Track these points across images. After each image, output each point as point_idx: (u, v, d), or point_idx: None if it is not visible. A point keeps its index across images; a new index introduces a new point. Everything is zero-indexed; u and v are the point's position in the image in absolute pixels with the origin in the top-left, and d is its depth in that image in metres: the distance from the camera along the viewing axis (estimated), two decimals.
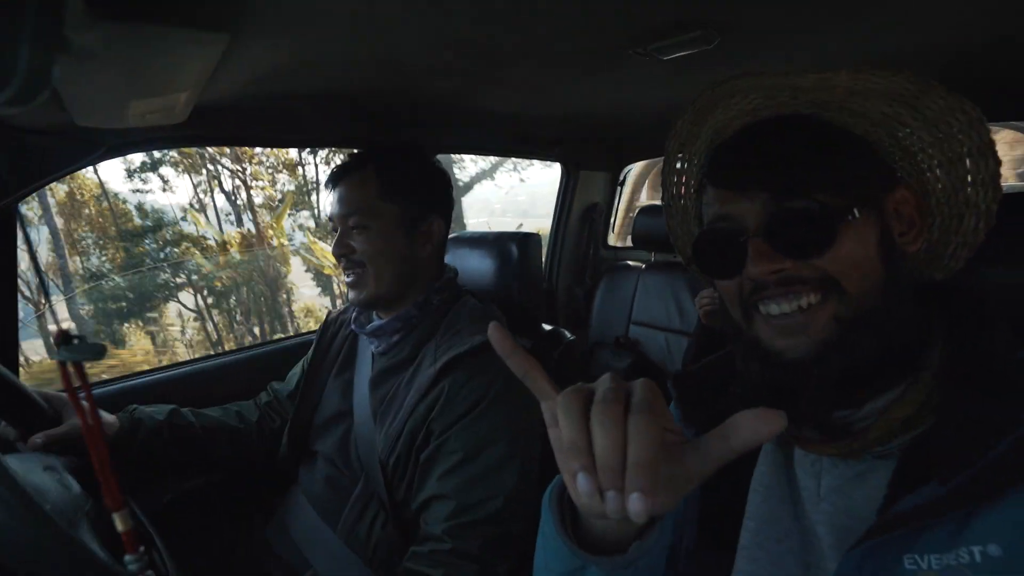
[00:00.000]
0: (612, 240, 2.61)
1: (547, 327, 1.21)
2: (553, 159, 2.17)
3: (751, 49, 1.00)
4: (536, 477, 0.95)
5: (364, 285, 1.00)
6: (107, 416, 1.00)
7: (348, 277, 1.02)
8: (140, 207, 7.30)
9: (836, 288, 0.51)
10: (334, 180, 1.03)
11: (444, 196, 1.09)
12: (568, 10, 0.79)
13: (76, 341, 0.39)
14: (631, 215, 2.44)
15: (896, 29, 0.96)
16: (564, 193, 2.30)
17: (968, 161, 0.55)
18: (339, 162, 1.08)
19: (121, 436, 0.99)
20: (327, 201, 1.06)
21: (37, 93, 0.30)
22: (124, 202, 7.29)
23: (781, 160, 0.53)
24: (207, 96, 0.94)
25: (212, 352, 6.61)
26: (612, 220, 2.57)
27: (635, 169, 2.55)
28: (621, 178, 2.47)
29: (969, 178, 0.56)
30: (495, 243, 1.24)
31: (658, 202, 0.77)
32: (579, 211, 2.37)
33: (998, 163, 0.54)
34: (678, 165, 0.68)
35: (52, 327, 0.97)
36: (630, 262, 2.37)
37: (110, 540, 0.63)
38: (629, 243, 2.35)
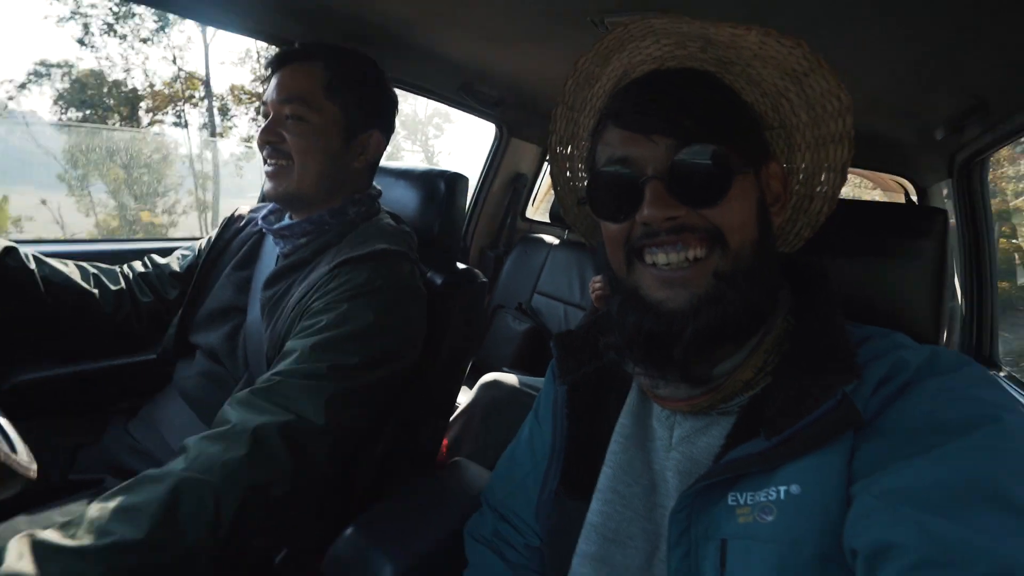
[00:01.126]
0: (530, 212, 2.69)
1: (461, 266, 1.25)
2: (490, 119, 2.19)
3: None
4: (397, 380, 0.92)
5: (285, 179, 0.95)
6: None
7: (269, 167, 0.96)
8: None
9: (720, 241, 0.53)
10: (278, 63, 0.97)
11: (388, 112, 1.06)
12: None
13: None
14: (552, 192, 2.54)
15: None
16: (494, 156, 2.34)
17: (830, 147, 0.59)
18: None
19: None
20: (265, 86, 0.99)
21: None
22: None
23: (689, 108, 0.54)
24: None
25: None
26: (534, 193, 2.66)
27: None
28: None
29: (826, 164, 0.61)
30: (423, 177, 1.25)
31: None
32: (504, 178, 2.41)
33: (851, 151, 0.59)
34: (571, 108, 0.67)
35: None
36: (544, 236, 2.47)
37: None
38: (546, 218, 2.44)
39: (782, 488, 0.48)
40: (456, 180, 1.24)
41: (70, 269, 1.03)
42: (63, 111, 8.57)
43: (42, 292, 0.97)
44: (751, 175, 0.56)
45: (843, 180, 0.61)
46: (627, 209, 0.55)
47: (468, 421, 1.57)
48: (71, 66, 8.52)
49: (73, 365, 1.20)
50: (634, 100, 0.56)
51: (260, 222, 1.05)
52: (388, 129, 1.07)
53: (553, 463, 0.68)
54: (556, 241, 2.43)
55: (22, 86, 8.23)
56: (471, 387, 1.71)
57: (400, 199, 1.25)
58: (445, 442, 1.51)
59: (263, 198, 1.03)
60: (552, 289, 2.32)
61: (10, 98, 8.26)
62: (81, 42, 8.29)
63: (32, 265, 0.97)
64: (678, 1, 0.96)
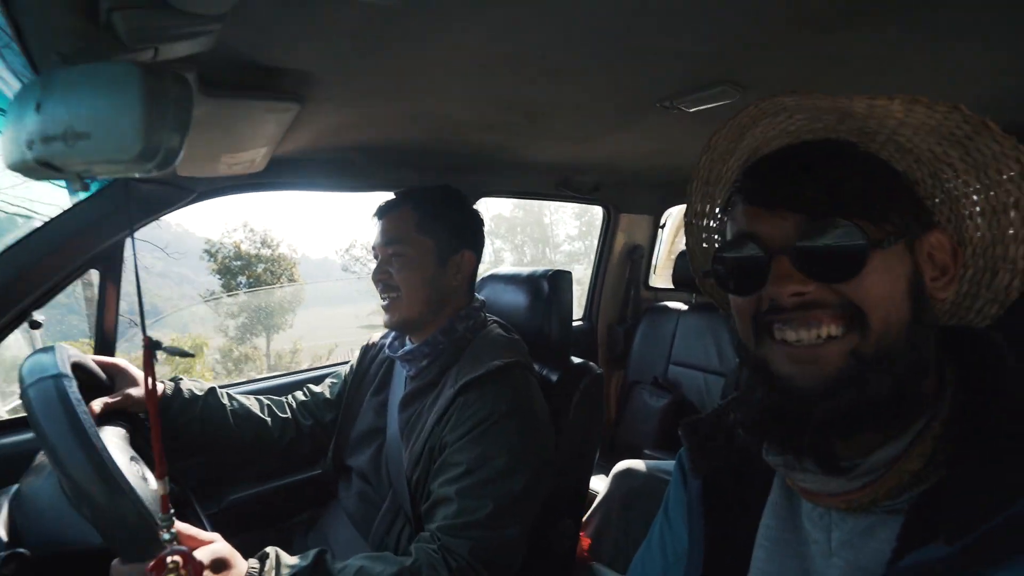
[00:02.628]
0: (653, 281, 2.63)
1: (576, 360, 1.26)
2: (593, 203, 2.26)
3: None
4: (543, 496, 0.99)
5: (397, 308, 1.10)
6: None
7: (384, 301, 1.12)
8: None
9: (859, 319, 0.48)
10: (380, 214, 1.15)
11: (475, 232, 1.19)
12: (598, 70, 0.87)
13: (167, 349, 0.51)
14: (672, 257, 2.47)
15: (919, 89, 0.98)
16: (604, 234, 2.38)
17: (1013, 213, 0.52)
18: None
19: (162, 401, 1.05)
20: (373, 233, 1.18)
21: (172, 163, 0.42)
22: None
23: (818, 181, 0.50)
24: (281, 149, 1.11)
25: None
26: (654, 261, 2.61)
27: (677, 212, 2.59)
28: (663, 221, 2.51)
29: (1011, 231, 0.53)
30: (527, 279, 1.32)
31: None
32: (621, 252, 2.42)
33: None
34: (706, 183, 0.66)
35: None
36: (670, 303, 2.38)
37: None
38: (670, 284, 2.37)
39: None
40: (559, 277, 1.29)
41: (250, 402, 1.24)
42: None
43: (231, 423, 1.18)
44: (899, 247, 0.50)
45: None
46: (753, 283, 0.52)
47: (606, 515, 1.50)
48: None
49: (264, 483, 1.43)
50: (761, 175, 0.55)
51: (387, 350, 1.21)
52: (478, 245, 1.19)
53: (691, 571, 0.62)
54: (685, 307, 2.32)
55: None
56: (607, 473, 1.65)
57: (511, 302, 1.34)
58: (586, 541, 1.46)
59: (395, 335, 1.19)
60: (687, 357, 2.19)
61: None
62: None
63: (225, 401, 1.19)
64: (748, 76, 0.94)
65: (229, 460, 1.38)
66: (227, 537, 0.80)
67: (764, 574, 0.56)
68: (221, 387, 1.25)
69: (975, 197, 0.53)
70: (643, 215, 2.42)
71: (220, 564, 0.72)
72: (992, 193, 0.52)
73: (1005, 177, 0.50)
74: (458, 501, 0.91)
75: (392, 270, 1.10)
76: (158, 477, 0.63)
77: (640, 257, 2.47)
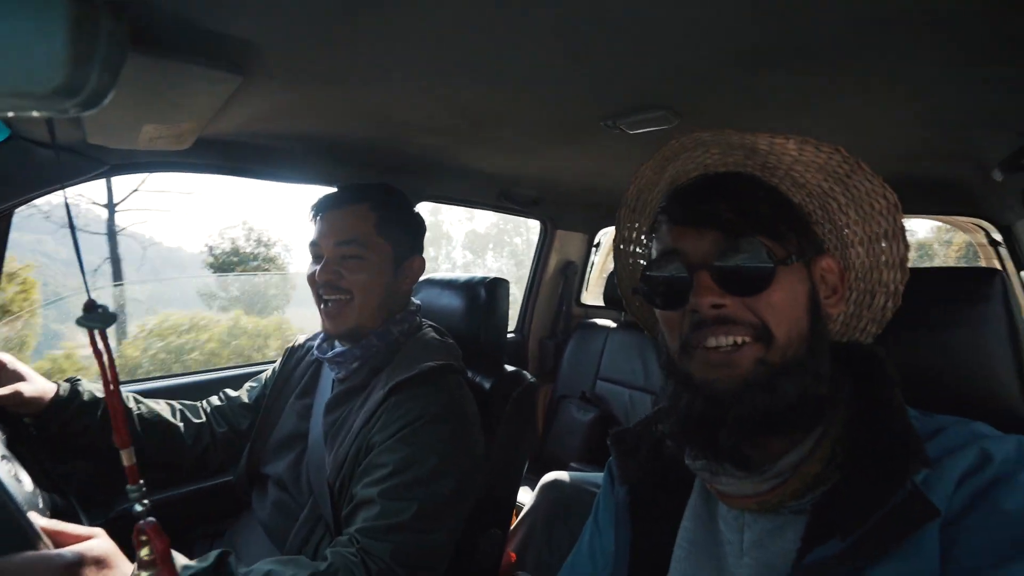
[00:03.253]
0: (585, 298, 2.71)
1: (509, 368, 1.26)
2: (532, 216, 2.30)
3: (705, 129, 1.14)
4: (469, 501, 0.96)
5: (346, 315, 1.03)
6: (46, 382, 0.96)
7: (328, 304, 1.04)
8: None
9: (766, 333, 0.54)
10: (325, 208, 1.07)
11: (422, 236, 1.18)
12: (548, 82, 0.89)
13: (99, 310, 0.45)
14: (604, 275, 2.56)
15: (842, 131, 1.10)
16: (541, 248, 2.42)
17: (884, 243, 0.60)
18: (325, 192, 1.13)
19: (56, 402, 0.95)
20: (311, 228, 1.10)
21: (96, 104, 0.37)
22: None
23: (731, 203, 0.57)
24: (212, 128, 1.03)
25: None
26: (586, 279, 2.68)
27: (611, 232, 2.69)
28: (597, 240, 2.60)
29: (884, 258, 0.61)
30: (465, 285, 1.31)
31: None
32: (555, 267, 2.48)
33: (907, 247, 0.60)
34: (634, 211, 0.72)
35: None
36: (599, 321, 2.45)
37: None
38: (601, 302, 2.45)
39: None
40: (496, 285, 1.29)
41: (160, 407, 1.13)
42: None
43: (137, 429, 1.06)
44: (799, 267, 0.57)
45: (905, 274, 0.61)
46: (678, 300, 0.57)
47: (532, 527, 1.50)
48: None
49: (163, 491, 1.30)
50: (683, 197, 0.61)
51: (315, 351, 1.14)
52: (422, 250, 1.17)
53: (617, 573, 0.65)
54: (614, 324, 2.40)
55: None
56: (534, 485, 1.65)
57: (446, 307, 1.32)
58: (512, 554, 1.45)
59: (325, 337, 1.11)
60: (614, 374, 2.26)
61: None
62: None
63: (131, 404, 1.08)
64: (686, 104, 1.00)
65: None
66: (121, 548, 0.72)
67: (683, 573, 0.59)
68: (130, 390, 1.14)
69: (855, 228, 0.61)
70: (578, 232, 2.49)
71: (99, 563, 0.63)
72: (868, 225, 0.61)
73: (876, 210, 0.59)
74: (381, 503, 0.87)
75: (344, 271, 1.03)
76: (122, 446, 0.56)
77: (573, 274, 2.54)
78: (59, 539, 0.64)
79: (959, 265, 5.05)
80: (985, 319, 0.66)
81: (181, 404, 1.19)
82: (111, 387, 0.53)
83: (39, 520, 0.63)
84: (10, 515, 0.58)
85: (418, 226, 1.16)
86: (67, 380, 1.01)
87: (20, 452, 0.83)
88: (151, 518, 0.58)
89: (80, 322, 0.46)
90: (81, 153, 0.98)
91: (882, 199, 0.58)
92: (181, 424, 1.14)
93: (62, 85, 0.33)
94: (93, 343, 0.49)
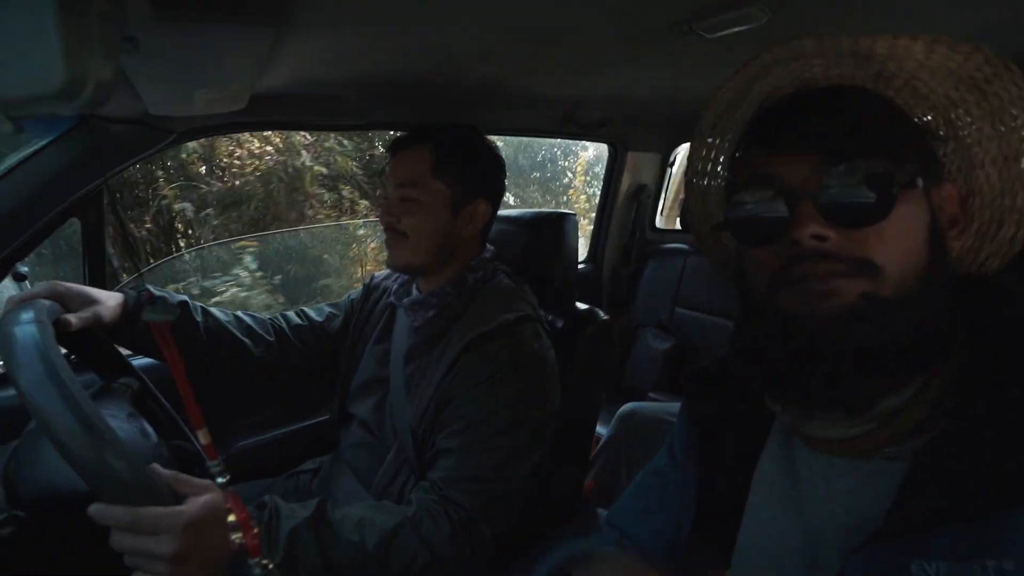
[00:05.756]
0: (661, 223, 2.56)
1: (582, 306, 1.23)
2: (600, 140, 2.15)
3: (805, 26, 0.96)
4: (546, 448, 0.98)
5: (401, 252, 1.05)
6: (111, 294, 0.95)
7: (387, 240, 1.07)
8: None
9: (874, 270, 0.47)
10: (393, 149, 1.08)
11: (494, 180, 1.12)
12: None
13: (160, 300, 0.47)
14: (682, 197, 2.38)
15: (971, 4, 0.88)
16: (610, 174, 2.28)
17: (1022, 161, 0.50)
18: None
19: (124, 314, 0.93)
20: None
21: (106, 97, 0.36)
22: None
23: (837, 120, 0.49)
24: (263, 84, 1.01)
25: None
26: (662, 202, 2.52)
27: (687, 149, 2.48)
28: (672, 159, 2.40)
29: (1020, 182, 0.51)
30: (531, 223, 1.26)
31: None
32: (627, 192, 2.33)
33: None
34: (709, 139, 0.63)
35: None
36: (675, 245, 2.32)
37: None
38: (678, 226, 2.30)
39: (990, 563, 0.40)
40: (563, 220, 1.24)
41: (228, 318, 1.12)
42: None
43: (203, 341, 1.06)
44: (920, 193, 0.48)
45: None
46: (771, 233, 0.50)
47: (610, 458, 1.52)
48: None
49: (268, 431, 1.44)
50: (777, 116, 0.53)
51: (392, 298, 1.16)
52: (496, 193, 1.13)
53: (685, 511, 0.63)
54: (690, 248, 2.27)
55: None
56: (612, 416, 1.66)
57: (514, 245, 1.29)
58: (589, 484, 1.49)
59: (401, 280, 1.14)
60: (693, 300, 2.17)
61: None
62: None
63: (198, 317, 1.07)
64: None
65: (212, 389, 1.23)
66: (236, 484, 0.79)
67: (758, 520, 0.56)
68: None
69: (988, 144, 0.52)
70: (651, 153, 2.31)
71: (215, 517, 0.68)
72: (1005, 140, 0.51)
73: (1020, 121, 0.49)
74: (461, 454, 0.91)
75: (400, 212, 1.05)
76: (196, 427, 0.61)
77: (648, 198, 2.39)
78: (182, 490, 0.69)
79: None
80: None
81: (250, 317, 1.17)
82: (184, 380, 0.55)
83: (163, 473, 0.70)
84: (140, 474, 0.65)
85: (484, 168, 1.11)
86: (134, 288, 1.01)
87: (145, 406, 0.92)
88: (232, 488, 0.63)
89: (147, 316, 0.47)
90: (147, 124, 1.01)
91: None
92: (248, 339, 1.13)
93: (66, 84, 0.31)
94: (159, 336, 0.51)
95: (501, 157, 1.14)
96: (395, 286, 1.17)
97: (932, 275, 0.48)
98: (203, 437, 0.61)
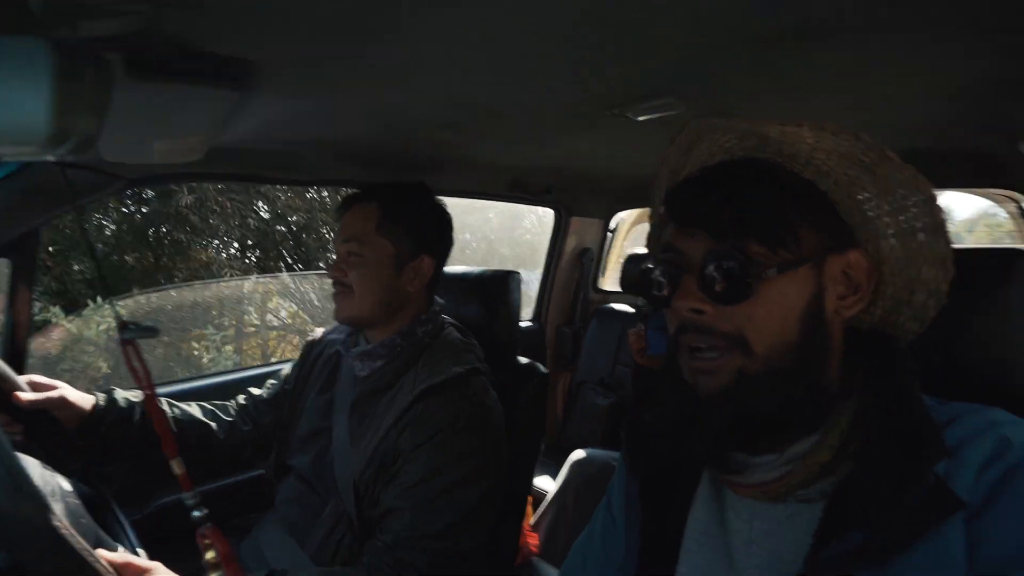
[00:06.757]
0: (602, 283, 2.69)
1: (523, 360, 1.27)
2: (546, 204, 2.28)
3: (714, 116, 1.10)
4: (498, 505, 0.99)
5: (347, 305, 1.08)
6: (84, 395, 1.01)
7: (334, 293, 1.10)
8: None
9: (744, 344, 0.52)
10: (344, 206, 1.13)
11: (440, 236, 1.16)
12: (555, 75, 0.88)
13: (132, 326, 0.48)
14: (620, 261, 2.53)
15: (862, 109, 1.05)
16: (555, 236, 2.41)
17: (921, 236, 0.54)
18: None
19: (97, 411, 1.00)
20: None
21: (88, 148, 0.39)
22: None
23: (727, 203, 0.53)
24: (222, 138, 1.05)
25: None
26: (603, 264, 2.66)
27: (626, 216, 2.66)
28: (612, 224, 2.57)
29: (923, 253, 0.55)
30: (477, 280, 1.32)
31: (644, 249, 0.79)
32: (570, 254, 2.46)
33: (949, 244, 0.54)
34: (656, 196, 0.69)
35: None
36: (617, 306, 2.44)
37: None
38: (618, 288, 2.43)
39: None
40: (507, 277, 1.30)
41: (193, 408, 1.19)
42: None
43: (174, 430, 1.10)
44: (804, 271, 0.53)
45: (948, 272, 0.55)
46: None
47: (562, 505, 1.52)
48: None
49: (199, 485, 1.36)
50: (680, 193, 0.59)
51: (340, 347, 1.17)
52: (442, 251, 1.17)
53: (628, 561, 0.65)
54: (631, 309, 2.38)
55: None
56: (552, 472, 1.67)
57: (459, 301, 1.33)
58: (533, 537, 1.47)
59: (349, 332, 1.17)
60: (633, 359, 2.25)
61: None
62: None
63: (164, 407, 1.13)
64: (691, 89, 0.97)
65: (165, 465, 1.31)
66: (154, 544, 0.75)
67: (693, 565, 0.59)
68: (159, 392, 1.19)
69: (887, 219, 0.55)
70: (593, 218, 2.47)
71: None
72: (901, 217, 0.55)
73: (910, 202, 0.54)
74: (412, 512, 0.90)
75: (347, 267, 1.08)
76: (170, 456, 0.59)
77: (590, 260, 2.52)
78: (124, 572, 0.66)
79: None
80: (1008, 302, 0.62)
81: (211, 405, 1.23)
82: (153, 401, 0.55)
83: (105, 555, 0.65)
84: (79, 557, 0.61)
85: (430, 224, 1.16)
86: (102, 390, 1.07)
87: (59, 461, 0.87)
88: (211, 523, 0.61)
89: (125, 335, 0.48)
90: (98, 170, 1.02)
91: (915, 192, 0.53)
92: (213, 423, 1.18)
93: (51, 135, 0.35)
94: (128, 359, 0.52)
95: (448, 214, 1.20)
96: (343, 336, 1.19)
97: (807, 347, 0.52)
98: (177, 467, 0.60)
